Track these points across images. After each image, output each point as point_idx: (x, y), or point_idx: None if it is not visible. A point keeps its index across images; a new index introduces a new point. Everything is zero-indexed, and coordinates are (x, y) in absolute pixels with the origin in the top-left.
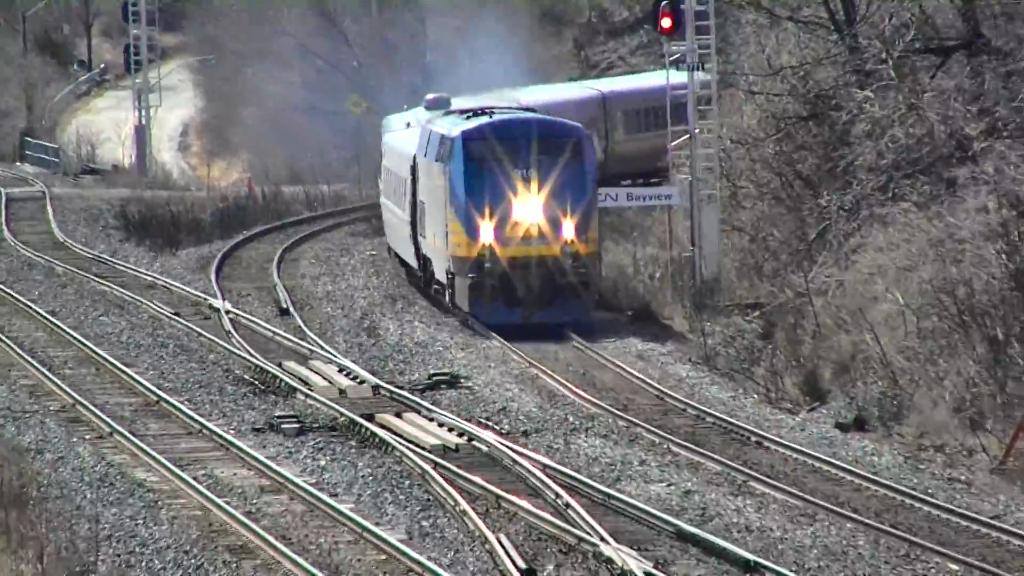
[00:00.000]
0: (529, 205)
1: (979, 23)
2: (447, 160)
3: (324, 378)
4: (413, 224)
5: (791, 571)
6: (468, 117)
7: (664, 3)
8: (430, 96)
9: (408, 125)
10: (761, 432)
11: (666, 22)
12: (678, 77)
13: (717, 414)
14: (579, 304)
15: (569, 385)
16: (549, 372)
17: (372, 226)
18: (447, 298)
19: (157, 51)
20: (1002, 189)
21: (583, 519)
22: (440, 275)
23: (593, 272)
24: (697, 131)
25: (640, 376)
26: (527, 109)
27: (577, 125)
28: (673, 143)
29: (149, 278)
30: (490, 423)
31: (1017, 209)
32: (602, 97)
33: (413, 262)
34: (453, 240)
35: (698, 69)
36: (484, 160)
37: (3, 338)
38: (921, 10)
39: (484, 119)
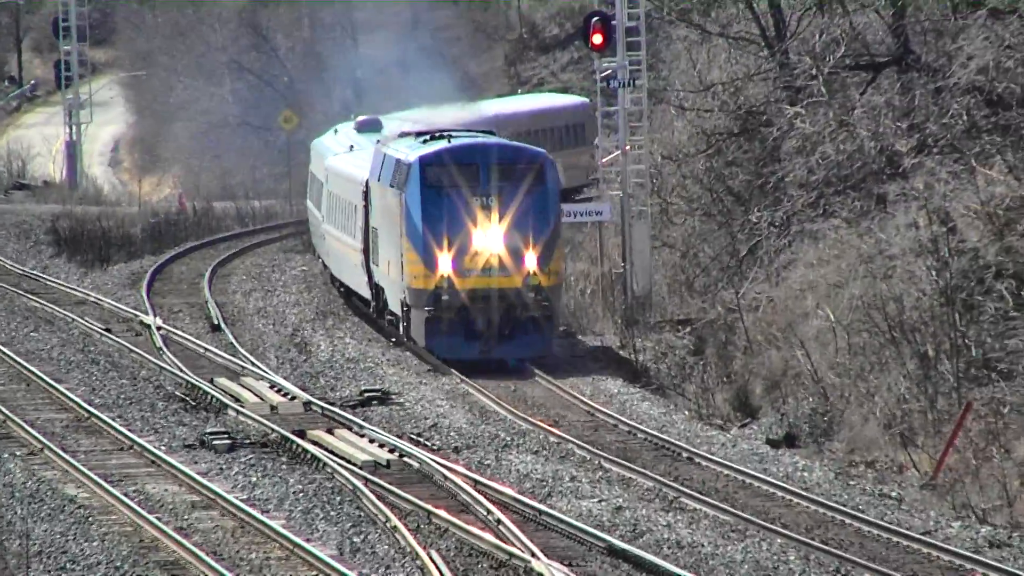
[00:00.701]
0: (490, 234)
1: (909, 39)
2: (403, 186)
3: (255, 394)
4: (366, 252)
5: None
6: (425, 140)
7: (595, 19)
8: (361, 118)
9: (352, 148)
10: (692, 448)
11: (597, 38)
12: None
13: (648, 430)
14: (540, 339)
15: (500, 401)
16: (480, 388)
17: (303, 241)
18: (401, 330)
19: (88, 67)
20: (932, 205)
21: (514, 535)
22: (394, 306)
23: (556, 305)
24: (628, 147)
25: (571, 392)
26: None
27: (541, 150)
28: (605, 159)
29: (80, 294)
30: (421, 439)
31: (947, 225)
32: (492, 119)
33: (364, 292)
34: (409, 270)
35: (628, 86)
36: (443, 187)
37: None
38: (851, 26)
39: (442, 143)
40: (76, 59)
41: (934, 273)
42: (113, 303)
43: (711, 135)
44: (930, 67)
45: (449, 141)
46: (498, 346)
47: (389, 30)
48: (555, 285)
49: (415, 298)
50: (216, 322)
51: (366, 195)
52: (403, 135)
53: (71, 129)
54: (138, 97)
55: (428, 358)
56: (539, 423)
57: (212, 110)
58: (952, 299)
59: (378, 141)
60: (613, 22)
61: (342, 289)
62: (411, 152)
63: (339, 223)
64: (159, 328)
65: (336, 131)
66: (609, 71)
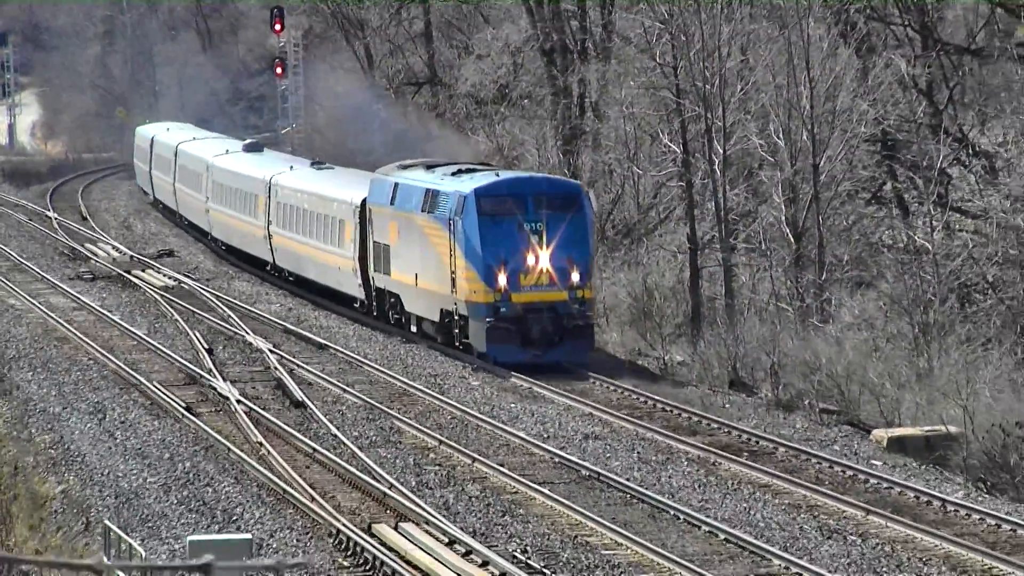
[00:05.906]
0: (539, 255)
1: (436, 68)
2: (459, 214)
3: (104, 252)
4: (363, 261)
5: (343, 348)
6: (453, 173)
7: (276, 60)
8: (248, 141)
9: (291, 168)
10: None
11: (279, 70)
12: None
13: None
14: (584, 344)
15: (227, 255)
16: (219, 250)
17: (128, 174)
18: (414, 330)
19: (19, 85)
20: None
21: (237, 323)
22: (419, 310)
23: (594, 315)
24: (295, 125)
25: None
26: None
27: (578, 183)
28: (283, 131)
29: (14, 200)
30: (189, 276)
31: None
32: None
33: (354, 292)
34: (468, 287)
35: (294, 95)
36: (496, 215)
37: None
38: (407, 63)
39: (490, 177)
40: (12, 81)
41: None
42: (33, 205)
43: (337, 120)
44: (446, 83)
45: (497, 175)
46: (549, 351)
47: (172, 66)
48: (593, 298)
49: (474, 311)
50: (85, 215)
51: (362, 215)
52: (405, 166)
53: (11, 118)
54: (44, 101)
55: (483, 364)
56: (246, 267)
57: (83, 107)
58: None
59: (386, 173)
60: (287, 62)
61: (160, 207)
62: (461, 185)
63: (313, 236)
64: (55, 217)
65: (168, 128)
66: (284, 87)
